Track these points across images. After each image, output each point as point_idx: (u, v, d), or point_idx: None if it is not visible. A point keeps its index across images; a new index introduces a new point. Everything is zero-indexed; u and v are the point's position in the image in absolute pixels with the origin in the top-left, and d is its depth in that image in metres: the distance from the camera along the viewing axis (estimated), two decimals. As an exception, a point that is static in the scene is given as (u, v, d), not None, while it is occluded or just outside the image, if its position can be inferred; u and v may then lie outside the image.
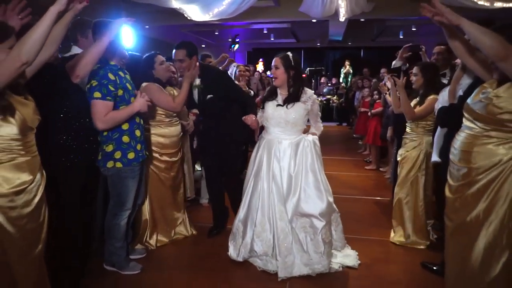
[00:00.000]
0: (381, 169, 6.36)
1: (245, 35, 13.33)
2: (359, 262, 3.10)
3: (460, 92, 2.60)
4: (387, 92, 4.64)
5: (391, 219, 3.62)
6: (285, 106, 2.98)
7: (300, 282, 2.83)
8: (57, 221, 2.09)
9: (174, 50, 3.31)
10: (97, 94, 2.59)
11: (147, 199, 3.38)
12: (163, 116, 3.39)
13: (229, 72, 4.58)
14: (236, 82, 4.38)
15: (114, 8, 7.44)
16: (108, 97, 2.62)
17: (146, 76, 3.30)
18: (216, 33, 12.24)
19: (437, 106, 3.01)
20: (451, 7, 2.03)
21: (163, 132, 3.40)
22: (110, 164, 2.74)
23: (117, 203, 2.87)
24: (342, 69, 14.72)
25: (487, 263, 2.07)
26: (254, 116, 3.03)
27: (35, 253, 1.92)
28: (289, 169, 2.94)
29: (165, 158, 3.41)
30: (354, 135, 8.95)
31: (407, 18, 9.06)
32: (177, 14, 7.20)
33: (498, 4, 5.54)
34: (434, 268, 2.97)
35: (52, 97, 2.49)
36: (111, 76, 2.66)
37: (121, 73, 2.77)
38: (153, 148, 3.35)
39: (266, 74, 11.32)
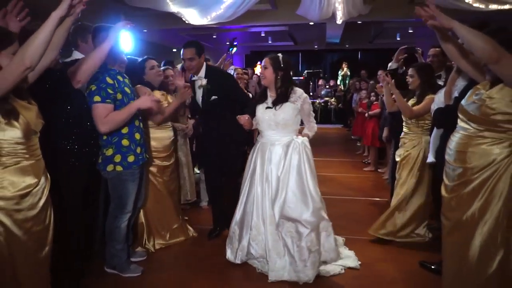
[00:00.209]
0: (379, 170, 6.39)
1: (243, 38, 13.36)
2: (359, 262, 3.12)
3: (456, 94, 2.64)
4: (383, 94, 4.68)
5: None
6: (274, 108, 2.97)
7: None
8: (59, 224, 2.12)
9: (182, 50, 3.36)
10: (96, 98, 2.63)
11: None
12: None
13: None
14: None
15: (113, 12, 7.48)
16: (107, 100, 2.65)
17: (139, 80, 3.36)
18: (214, 37, 12.28)
19: (433, 107, 3.05)
20: (446, 10, 2.08)
21: (154, 136, 3.41)
22: (110, 167, 2.77)
23: (117, 205, 2.89)
24: (339, 71, 14.79)
25: (483, 261, 2.10)
26: (247, 116, 3.02)
27: (42, 255, 1.96)
28: (277, 171, 2.94)
29: (157, 162, 3.42)
30: (352, 137, 9.00)
31: (404, 20, 9.11)
32: (175, 18, 7.23)
33: (493, 6, 5.61)
34: (432, 267, 3.00)
35: (54, 102, 2.52)
36: (109, 80, 2.69)
37: (119, 77, 2.80)
38: None
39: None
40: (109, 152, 2.77)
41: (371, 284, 2.89)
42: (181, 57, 3.41)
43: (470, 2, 5.55)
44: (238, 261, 3.10)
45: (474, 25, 2.53)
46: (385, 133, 5.29)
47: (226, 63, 5.06)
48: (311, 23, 8.85)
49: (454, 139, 2.21)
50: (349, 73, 14.32)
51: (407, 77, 3.52)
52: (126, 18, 7.79)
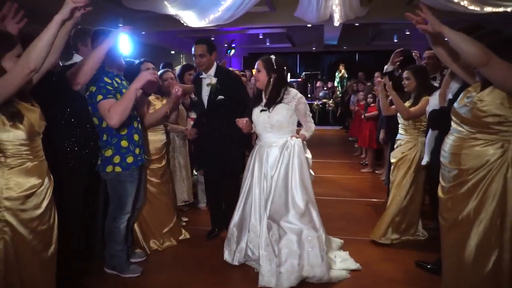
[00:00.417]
0: (376, 171, 6.43)
1: (241, 40, 13.42)
2: (357, 264, 3.09)
3: (450, 96, 2.68)
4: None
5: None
6: (268, 110, 2.95)
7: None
8: (60, 224, 2.16)
9: (194, 46, 3.38)
10: (99, 97, 2.65)
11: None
12: None
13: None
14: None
15: (112, 15, 7.51)
16: (109, 96, 2.67)
17: None
18: (212, 39, 12.31)
19: (428, 109, 3.09)
20: (444, 12, 2.12)
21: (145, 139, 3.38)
22: (109, 168, 2.79)
23: (116, 206, 2.92)
24: (337, 73, 14.84)
25: (480, 261, 2.14)
26: (246, 119, 3.02)
27: (47, 255, 2.01)
28: (272, 173, 2.92)
29: (148, 164, 3.38)
30: (350, 138, 9.03)
31: (401, 22, 9.17)
32: (174, 20, 7.28)
33: (488, 9, 5.67)
34: (428, 266, 3.04)
35: (53, 104, 2.56)
36: (107, 80, 2.73)
37: (117, 79, 2.83)
38: None
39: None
40: (108, 153, 2.80)
41: (371, 283, 2.92)
42: (192, 53, 3.43)
43: (466, 5, 5.61)
44: (235, 263, 3.12)
45: (469, 27, 2.60)
46: (381, 135, 5.33)
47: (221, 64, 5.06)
48: (309, 25, 8.91)
49: (448, 142, 2.25)
50: (346, 75, 14.37)
51: (403, 79, 3.55)
52: (124, 21, 7.87)
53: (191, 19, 7.21)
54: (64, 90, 2.57)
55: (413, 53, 4.33)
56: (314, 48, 15.66)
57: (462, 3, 5.64)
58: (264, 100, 3.03)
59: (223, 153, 3.48)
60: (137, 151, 2.89)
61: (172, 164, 4.00)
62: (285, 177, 2.85)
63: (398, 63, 4.25)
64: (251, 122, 3.06)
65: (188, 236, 3.73)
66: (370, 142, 6.49)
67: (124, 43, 2.84)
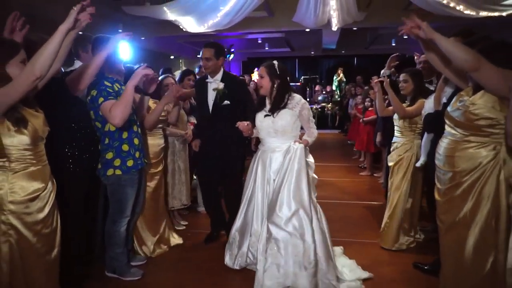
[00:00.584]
0: (375, 174, 6.47)
1: (240, 45, 13.49)
2: (367, 272, 3.01)
3: (444, 100, 2.73)
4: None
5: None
6: (272, 115, 2.96)
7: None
8: (61, 229, 2.19)
9: (202, 49, 3.40)
10: (100, 99, 2.69)
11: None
12: None
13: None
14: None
15: (112, 21, 7.58)
16: (110, 97, 2.71)
17: None
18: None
19: (424, 112, 3.14)
20: (442, 17, 2.18)
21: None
22: (110, 171, 2.83)
23: (116, 210, 2.95)
24: (335, 77, 14.91)
25: (477, 261, 2.18)
26: (247, 122, 3.02)
27: (51, 258, 2.05)
28: (274, 177, 2.93)
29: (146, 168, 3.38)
30: (348, 142, 9.08)
31: (399, 26, 9.21)
32: (173, 25, 7.33)
33: (483, 14, 5.74)
34: (425, 267, 3.08)
35: (54, 109, 2.59)
36: (107, 83, 2.78)
37: (117, 85, 2.88)
38: None
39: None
40: (109, 155, 2.83)
41: (372, 284, 2.94)
42: (200, 56, 3.43)
43: (461, 10, 5.69)
44: (236, 267, 3.12)
45: (462, 32, 2.65)
46: (378, 138, 5.37)
47: None
48: (307, 30, 8.96)
49: (443, 144, 2.31)
50: (344, 79, 14.44)
51: (400, 82, 3.59)
52: (124, 27, 7.93)
53: (190, 24, 7.26)
54: (64, 95, 2.62)
55: (415, 56, 4.38)
56: (312, 53, 15.73)
57: (458, 8, 5.72)
58: (268, 106, 3.04)
59: (223, 154, 3.49)
60: (137, 154, 2.93)
61: (171, 168, 4.03)
62: (280, 183, 2.84)
63: (394, 68, 4.31)
64: (253, 126, 3.08)
65: (181, 241, 3.71)
66: (368, 146, 6.54)
67: (124, 49, 2.89)
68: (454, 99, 2.28)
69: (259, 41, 12.52)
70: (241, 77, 5.18)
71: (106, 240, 3.02)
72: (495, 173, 2.11)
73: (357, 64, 17.43)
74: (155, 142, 3.50)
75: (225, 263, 3.18)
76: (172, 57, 13.26)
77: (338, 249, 3.24)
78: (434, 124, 2.82)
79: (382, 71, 4.34)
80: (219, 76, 3.46)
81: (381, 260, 3.35)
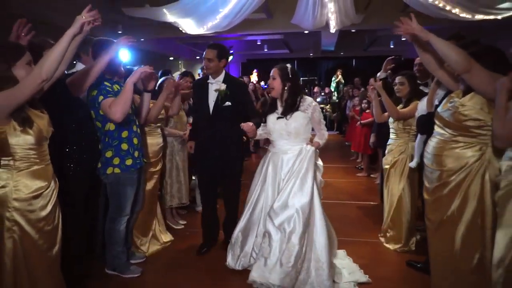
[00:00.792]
0: (372, 175, 6.54)
1: (239, 47, 13.54)
2: (367, 276, 3.03)
3: (436, 102, 2.80)
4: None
5: (380, 222, 3.79)
6: (284, 117, 2.98)
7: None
8: (62, 228, 2.25)
9: (206, 49, 3.43)
10: (100, 97, 2.76)
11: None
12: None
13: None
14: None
15: (112, 22, 7.63)
16: (109, 95, 2.77)
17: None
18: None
19: (417, 114, 3.21)
20: (438, 19, 2.25)
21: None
22: (109, 170, 2.89)
23: (116, 209, 3.00)
24: (333, 78, 14.95)
25: (465, 259, 2.25)
26: (251, 123, 3.03)
27: (53, 254, 2.12)
28: (284, 177, 2.96)
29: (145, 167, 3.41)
30: (346, 143, 9.13)
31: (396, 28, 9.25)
32: (172, 27, 7.37)
33: (479, 17, 5.81)
34: (418, 265, 3.14)
35: (60, 110, 2.65)
36: (107, 84, 2.85)
37: (117, 86, 2.94)
38: None
39: (260, 84, 11.54)
40: (109, 154, 2.89)
41: (367, 282, 2.98)
42: (200, 57, 3.49)
43: (457, 13, 5.75)
44: (239, 268, 3.12)
45: (454, 36, 2.73)
46: (372, 139, 5.42)
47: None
48: (306, 32, 9.01)
49: (431, 144, 2.37)
50: (343, 81, 14.49)
51: (396, 85, 3.65)
52: (124, 28, 7.98)
53: (189, 26, 7.30)
54: (64, 97, 2.67)
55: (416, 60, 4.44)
56: (311, 54, 15.76)
57: (453, 11, 5.78)
58: (280, 108, 3.06)
59: (223, 154, 3.50)
60: (136, 154, 2.98)
61: (170, 167, 4.08)
62: (287, 179, 2.88)
63: (390, 70, 4.37)
64: (257, 127, 3.09)
65: (171, 237, 3.77)
66: (365, 148, 6.61)
67: (123, 52, 2.95)
68: (444, 100, 2.36)
69: (258, 43, 12.54)
70: (240, 79, 5.22)
71: (106, 239, 3.07)
72: (480, 173, 2.18)
73: (356, 65, 17.47)
74: (154, 141, 3.55)
75: (227, 263, 3.17)
76: (171, 58, 13.30)
77: (341, 252, 3.30)
78: (427, 126, 2.87)
79: (378, 74, 4.39)
80: (221, 77, 3.48)
81: (375, 259, 3.41)
